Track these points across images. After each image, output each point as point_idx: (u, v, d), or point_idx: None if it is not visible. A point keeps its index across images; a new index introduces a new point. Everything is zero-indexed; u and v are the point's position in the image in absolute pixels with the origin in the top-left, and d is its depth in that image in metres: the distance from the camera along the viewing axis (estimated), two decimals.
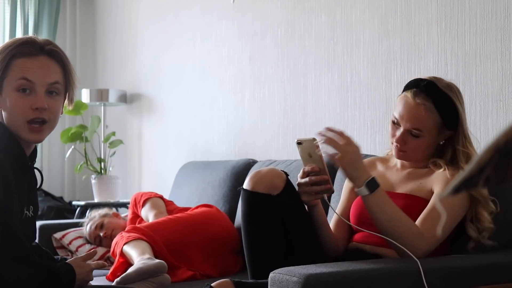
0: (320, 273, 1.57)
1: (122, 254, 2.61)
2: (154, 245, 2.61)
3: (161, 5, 4.36)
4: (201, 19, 3.93)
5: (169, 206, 3.05)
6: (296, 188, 2.01)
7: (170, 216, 2.86)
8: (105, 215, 3.20)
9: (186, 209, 3.02)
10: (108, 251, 3.01)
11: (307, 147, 1.92)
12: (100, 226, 3.14)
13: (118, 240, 2.68)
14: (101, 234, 3.12)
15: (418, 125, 1.92)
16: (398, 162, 2.08)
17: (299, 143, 1.93)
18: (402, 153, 1.98)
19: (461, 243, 1.94)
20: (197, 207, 2.99)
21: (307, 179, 1.94)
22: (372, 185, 1.85)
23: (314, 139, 1.89)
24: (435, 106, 1.91)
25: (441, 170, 1.94)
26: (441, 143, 1.98)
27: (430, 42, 2.54)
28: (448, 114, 1.92)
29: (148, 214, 2.98)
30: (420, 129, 1.92)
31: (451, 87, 1.95)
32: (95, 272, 1.94)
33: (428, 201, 1.91)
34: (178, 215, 2.87)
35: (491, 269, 1.79)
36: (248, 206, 1.96)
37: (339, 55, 2.96)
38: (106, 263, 2.15)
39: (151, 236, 2.64)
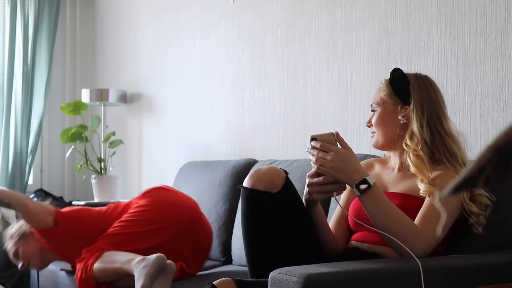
0: (320, 273, 1.57)
1: (98, 279, 2.48)
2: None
3: (161, 6, 4.36)
4: (201, 19, 3.93)
5: (116, 209, 2.82)
6: (296, 187, 2.01)
7: (122, 224, 2.66)
8: (20, 236, 2.83)
9: (128, 204, 2.80)
10: None
11: (326, 141, 1.83)
12: (16, 255, 2.85)
13: (82, 276, 2.51)
14: (19, 266, 2.84)
15: (373, 100, 2.07)
16: (394, 163, 2.08)
17: (313, 138, 1.82)
18: (372, 135, 2.07)
19: (461, 243, 1.94)
20: (140, 197, 2.78)
21: (321, 178, 1.89)
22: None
23: (332, 134, 1.83)
24: (389, 82, 2.04)
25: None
26: (402, 121, 1.99)
27: (430, 42, 2.54)
28: (398, 87, 2.01)
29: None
30: (374, 102, 2.06)
31: (418, 74, 2.04)
32: None
33: (423, 200, 1.91)
34: (128, 218, 2.68)
35: (491, 269, 1.79)
36: (247, 204, 1.97)
37: (339, 55, 2.96)
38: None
39: (110, 248, 2.53)
